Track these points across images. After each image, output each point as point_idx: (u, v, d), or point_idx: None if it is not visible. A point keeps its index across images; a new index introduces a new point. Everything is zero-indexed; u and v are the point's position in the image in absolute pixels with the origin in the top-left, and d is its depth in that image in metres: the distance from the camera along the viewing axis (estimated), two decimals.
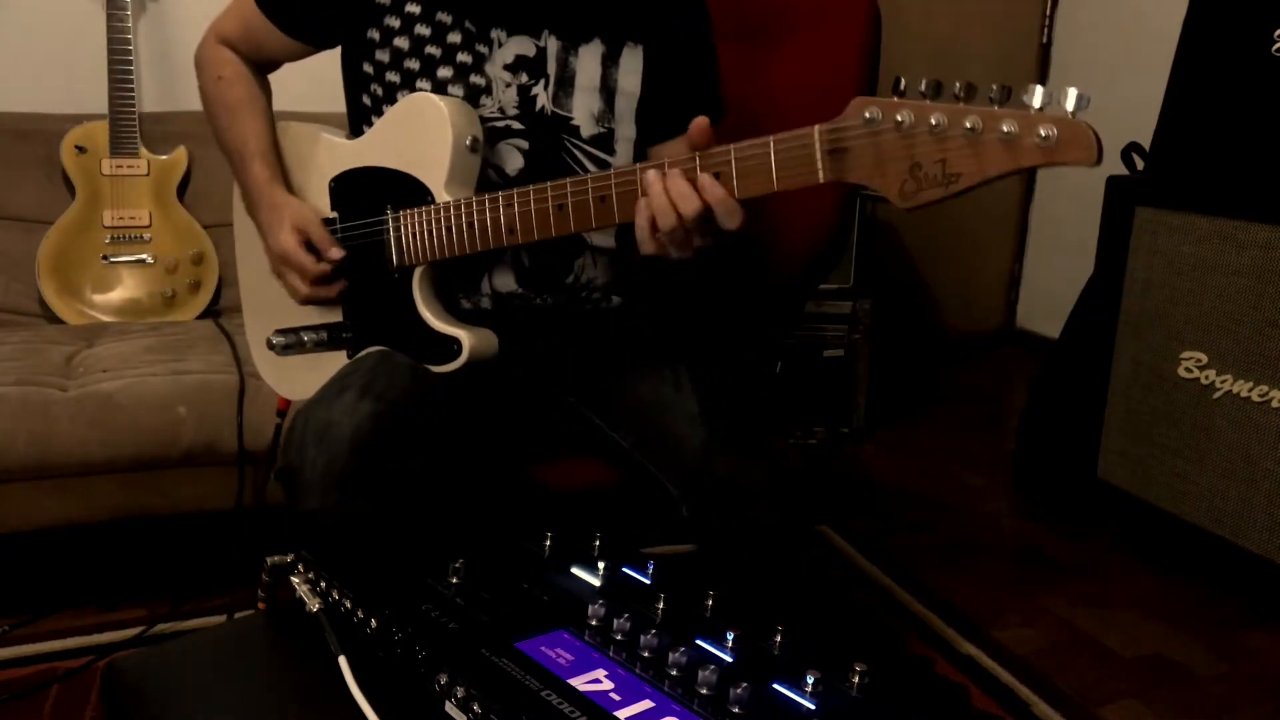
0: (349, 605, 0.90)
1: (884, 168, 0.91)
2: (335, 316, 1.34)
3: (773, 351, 2.18)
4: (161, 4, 2.42)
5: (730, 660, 0.83)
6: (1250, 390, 1.96)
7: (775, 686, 0.80)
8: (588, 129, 1.30)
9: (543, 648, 0.83)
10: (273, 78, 1.42)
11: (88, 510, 1.72)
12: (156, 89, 2.42)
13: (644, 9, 1.31)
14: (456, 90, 1.26)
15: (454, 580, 0.92)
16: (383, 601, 0.88)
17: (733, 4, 1.53)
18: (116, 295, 2.18)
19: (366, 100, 1.31)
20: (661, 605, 0.89)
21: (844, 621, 1.93)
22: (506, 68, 1.27)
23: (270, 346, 1.30)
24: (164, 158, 2.23)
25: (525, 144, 1.29)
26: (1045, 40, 3.58)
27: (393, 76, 1.28)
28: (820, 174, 0.94)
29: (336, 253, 1.27)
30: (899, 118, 0.88)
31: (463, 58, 1.26)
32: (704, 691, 0.78)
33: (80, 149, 2.18)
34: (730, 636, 0.84)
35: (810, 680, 0.79)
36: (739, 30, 1.57)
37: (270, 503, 1.69)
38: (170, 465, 1.72)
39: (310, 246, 1.27)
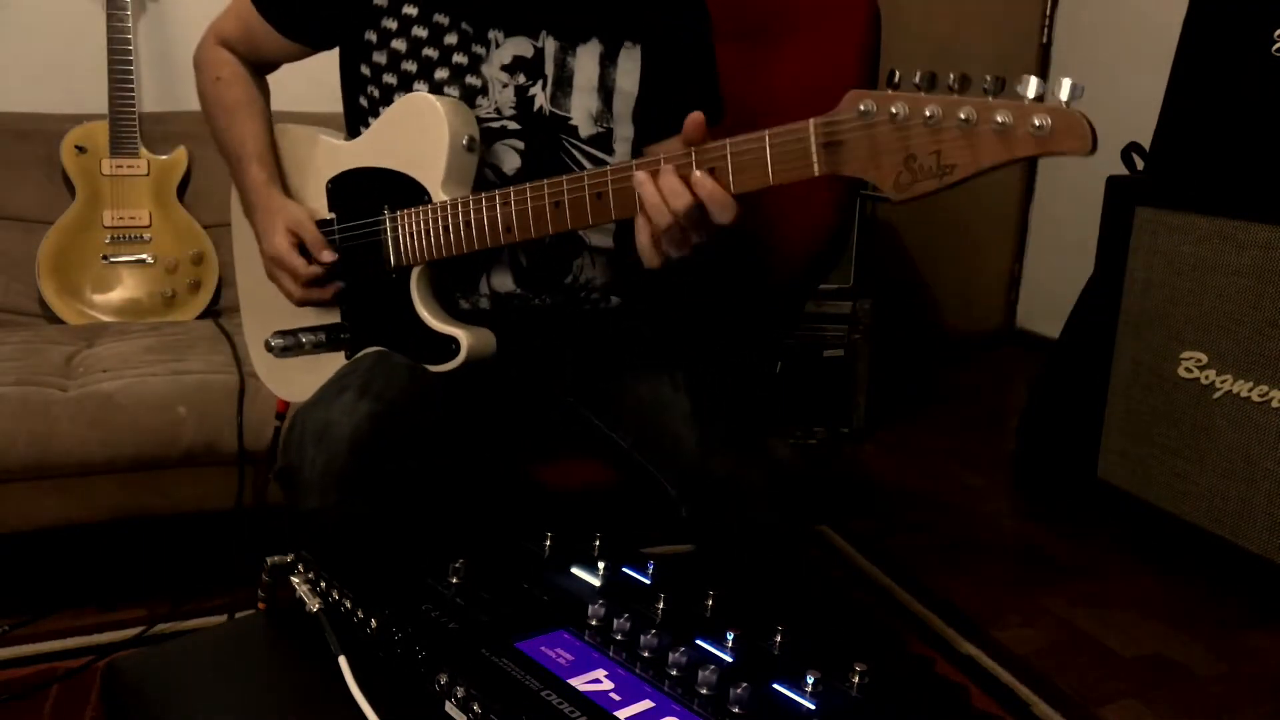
0: (349, 605, 0.90)
1: (879, 160, 0.91)
2: (333, 318, 1.34)
3: (773, 351, 2.18)
4: (161, 4, 2.42)
5: (730, 660, 0.83)
6: (1250, 390, 1.96)
7: (775, 686, 0.80)
8: (586, 129, 1.30)
9: (543, 648, 0.83)
10: (271, 79, 1.42)
11: (88, 510, 1.72)
12: (156, 89, 2.42)
13: (642, 9, 1.31)
14: (453, 91, 1.26)
15: (454, 580, 0.92)
16: (383, 601, 0.88)
17: (733, 4, 1.53)
18: (116, 295, 2.18)
19: (364, 102, 1.32)
20: (661, 605, 0.89)
21: (844, 621, 1.93)
22: (504, 68, 1.27)
23: (269, 349, 1.30)
24: (164, 158, 2.23)
25: (521, 144, 1.29)
26: (1045, 40, 3.58)
27: (390, 78, 1.28)
28: (815, 167, 0.95)
29: (328, 255, 1.27)
30: (894, 110, 0.89)
31: (459, 59, 1.26)
32: (704, 691, 0.78)
33: (80, 149, 2.18)
34: (730, 636, 0.84)
35: (810, 680, 0.79)
36: (739, 30, 1.57)
37: (270, 503, 1.70)
38: (170, 465, 1.72)
39: (303, 249, 1.27)
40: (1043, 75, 0.84)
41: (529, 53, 1.27)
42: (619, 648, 0.84)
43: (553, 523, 1.04)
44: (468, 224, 1.18)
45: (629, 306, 1.40)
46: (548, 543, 1.01)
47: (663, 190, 1.02)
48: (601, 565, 0.96)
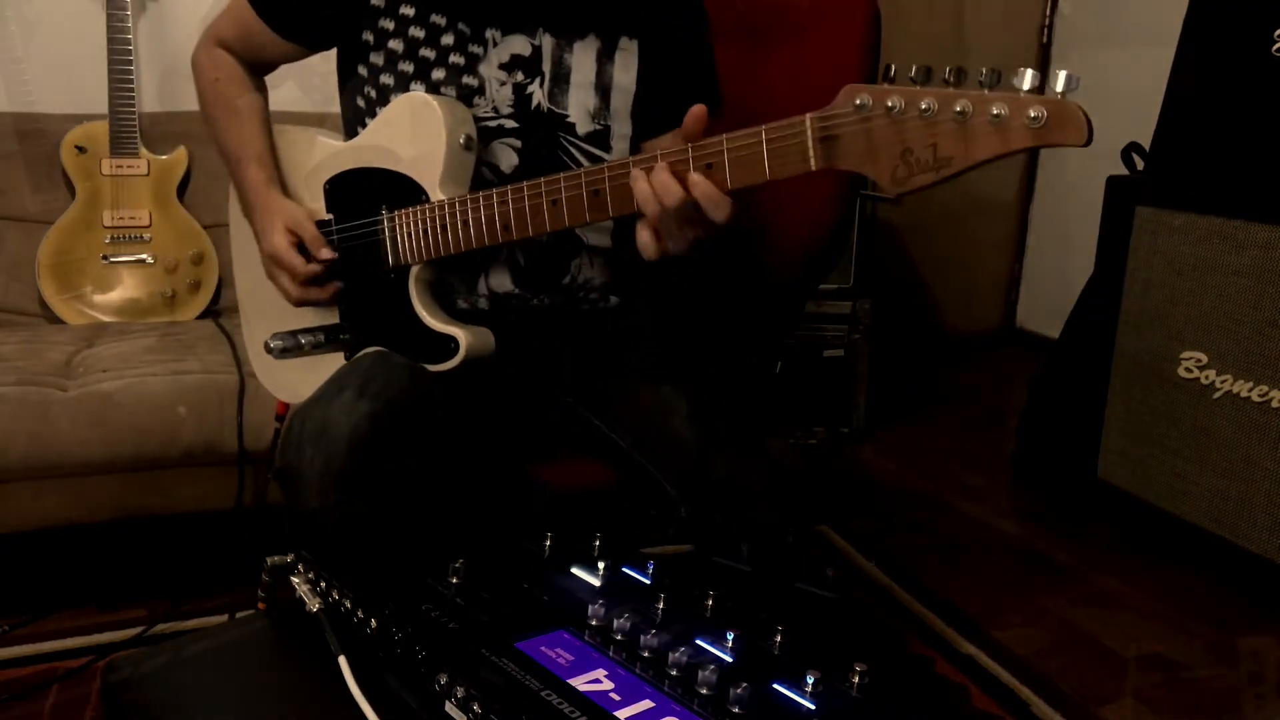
0: (349, 605, 0.90)
1: (875, 154, 0.91)
2: (332, 318, 1.34)
3: (773, 351, 2.18)
4: (161, 4, 2.42)
5: (730, 660, 0.83)
6: (1250, 390, 1.96)
7: (775, 686, 0.80)
8: (584, 126, 1.30)
9: (543, 648, 0.83)
10: (268, 79, 1.42)
11: (88, 510, 1.73)
12: (156, 89, 2.42)
13: (639, 4, 1.31)
14: (450, 92, 1.26)
15: (454, 580, 0.92)
16: (383, 601, 0.88)
17: (733, 4, 1.53)
18: (116, 295, 2.18)
19: (361, 102, 1.32)
20: (661, 605, 0.89)
21: (844, 621, 1.93)
22: (502, 67, 1.27)
23: (268, 350, 1.30)
24: (164, 158, 2.23)
25: (519, 142, 1.29)
26: (1045, 40, 3.58)
27: (387, 79, 1.28)
28: (812, 162, 0.94)
29: (327, 253, 1.27)
30: (890, 104, 0.89)
31: (456, 59, 1.26)
32: (704, 691, 0.78)
33: (80, 149, 2.18)
34: (730, 636, 0.84)
35: (810, 680, 0.79)
36: (739, 31, 1.57)
37: (270, 503, 1.69)
38: (170, 465, 1.72)
39: (302, 248, 1.27)
40: (1043, 75, 0.84)
41: (527, 51, 1.27)
42: (619, 648, 0.84)
43: (553, 523, 1.04)
44: (465, 223, 1.18)
45: (627, 306, 1.40)
46: (548, 543, 1.01)
47: (656, 187, 1.02)
48: (601, 565, 0.96)
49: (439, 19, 1.26)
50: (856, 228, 2.67)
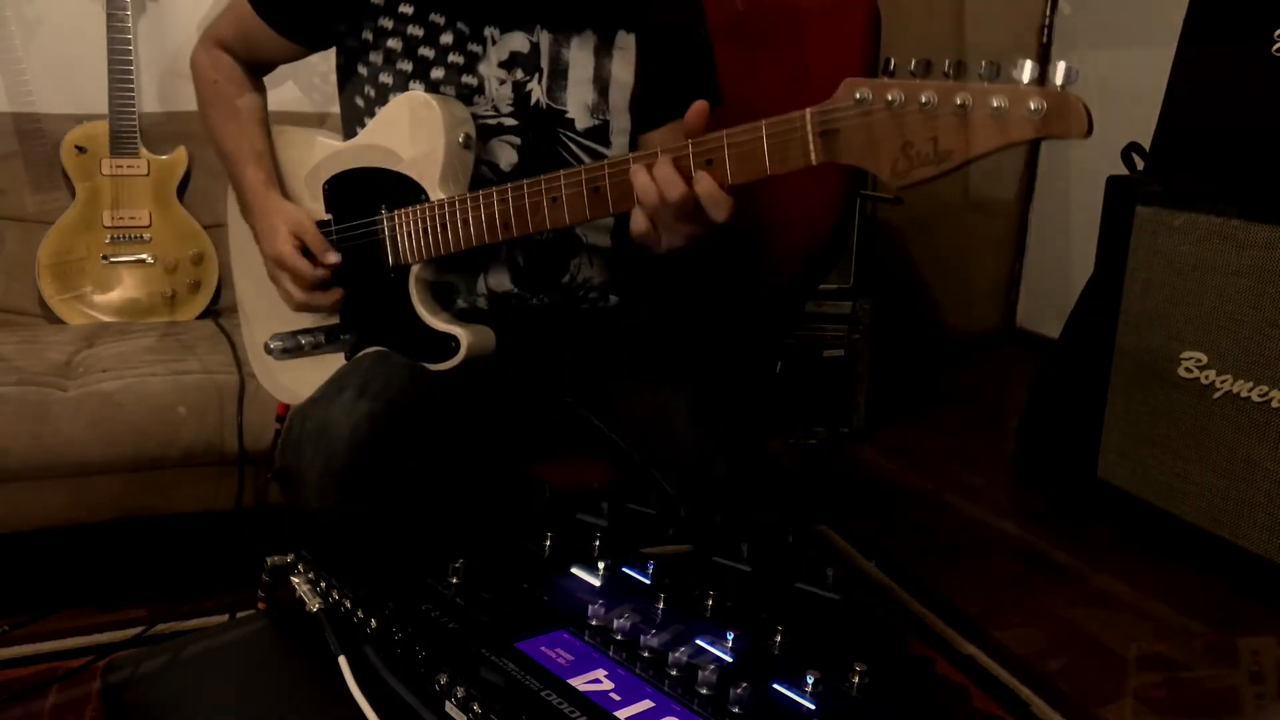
0: (349, 605, 0.90)
1: (876, 148, 0.91)
2: (332, 318, 1.34)
3: (773, 351, 2.18)
4: (161, 4, 2.42)
5: (730, 660, 0.83)
6: (1250, 390, 1.96)
7: (775, 686, 0.80)
8: (582, 121, 1.30)
9: (543, 648, 0.83)
10: (269, 79, 1.42)
11: (88, 510, 1.72)
12: (156, 89, 2.42)
13: None
14: (449, 91, 1.26)
15: (454, 580, 0.92)
16: (383, 601, 0.88)
17: (732, 4, 1.53)
18: (116, 295, 2.18)
19: (360, 102, 1.32)
20: (661, 605, 0.89)
21: (844, 621, 1.92)
22: (501, 65, 1.27)
23: (268, 351, 1.30)
24: (164, 158, 2.23)
25: (518, 140, 1.29)
26: (1045, 40, 3.58)
27: (385, 78, 1.28)
28: (812, 156, 0.94)
29: (333, 257, 1.27)
30: (889, 97, 0.88)
31: (454, 58, 1.26)
32: (704, 691, 0.78)
33: (80, 149, 2.18)
34: (730, 636, 0.84)
35: (810, 680, 0.79)
36: (739, 30, 1.57)
37: (270, 503, 1.69)
38: (170, 465, 1.72)
39: (306, 252, 1.27)
40: (1043, 74, 0.84)
41: (525, 48, 1.27)
42: (619, 648, 0.84)
43: (553, 523, 1.04)
44: (465, 222, 1.18)
45: (627, 306, 1.40)
46: (548, 543, 1.01)
47: (659, 179, 1.02)
48: (601, 565, 0.96)
49: (438, 18, 1.26)
50: (856, 228, 2.67)
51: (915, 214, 3.29)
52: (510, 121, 1.28)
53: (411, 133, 1.23)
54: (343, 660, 0.83)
